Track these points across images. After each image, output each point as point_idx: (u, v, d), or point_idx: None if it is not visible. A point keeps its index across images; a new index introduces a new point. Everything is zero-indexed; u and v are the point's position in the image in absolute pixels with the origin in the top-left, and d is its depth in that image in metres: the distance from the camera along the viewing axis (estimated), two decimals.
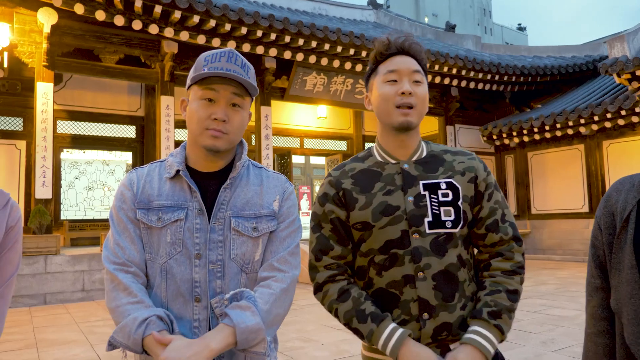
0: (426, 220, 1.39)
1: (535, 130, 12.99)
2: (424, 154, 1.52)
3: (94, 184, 11.48)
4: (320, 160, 15.76)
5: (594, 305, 1.35)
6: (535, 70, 14.11)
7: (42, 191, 9.02)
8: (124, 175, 12.09)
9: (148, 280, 1.39)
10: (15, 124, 10.50)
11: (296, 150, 14.08)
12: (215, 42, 10.04)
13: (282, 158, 13.51)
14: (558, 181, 13.27)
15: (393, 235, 1.39)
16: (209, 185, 1.40)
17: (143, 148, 11.92)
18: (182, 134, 12.04)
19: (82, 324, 6.39)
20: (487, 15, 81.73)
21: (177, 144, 10.83)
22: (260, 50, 10.60)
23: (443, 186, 1.43)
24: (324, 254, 1.45)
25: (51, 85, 9.28)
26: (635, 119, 11.18)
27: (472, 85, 13.69)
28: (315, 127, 14.42)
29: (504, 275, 1.40)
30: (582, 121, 11.92)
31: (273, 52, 10.77)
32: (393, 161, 1.49)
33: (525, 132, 13.28)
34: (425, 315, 1.36)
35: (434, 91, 14.11)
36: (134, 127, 11.87)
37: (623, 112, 11.18)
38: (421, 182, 1.44)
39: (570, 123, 12.13)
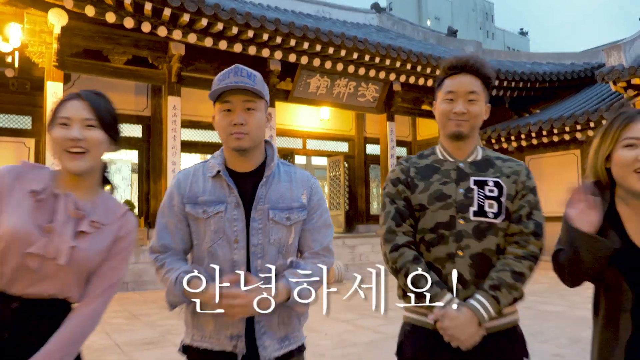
0: (472, 209, 1.67)
1: (533, 135, 13.26)
2: (479, 157, 1.80)
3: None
4: (322, 161, 15.98)
5: None
6: (534, 77, 14.39)
7: None
8: (130, 173, 12.37)
9: (197, 262, 1.68)
10: (24, 122, 10.75)
11: (299, 150, 14.34)
12: (222, 44, 10.29)
13: (285, 158, 13.74)
14: (554, 185, 13.51)
15: (443, 218, 1.68)
16: (245, 182, 1.67)
17: (149, 147, 12.16)
18: (188, 134, 12.29)
19: None
20: (489, 19, 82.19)
21: (184, 143, 11.06)
22: (265, 53, 10.85)
23: (490, 183, 1.70)
24: (403, 221, 1.73)
25: (61, 84, 9.52)
26: None
27: None
28: (318, 128, 14.67)
29: (514, 259, 1.64)
30: (579, 127, 12.18)
31: (278, 55, 11.02)
32: (451, 159, 1.78)
33: (523, 136, 13.54)
34: (459, 287, 1.63)
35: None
36: (141, 126, 12.11)
37: None
38: (472, 178, 1.72)
39: (567, 129, 12.39)
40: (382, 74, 12.61)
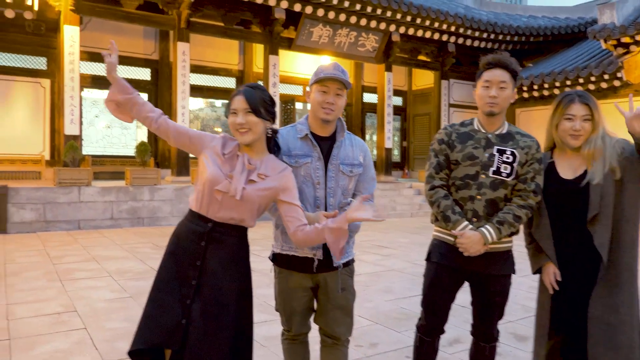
0: (491, 169, 2.40)
1: (525, 89, 13.86)
2: (504, 131, 2.47)
3: (113, 122, 12.26)
4: None
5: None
6: (529, 31, 14.82)
7: (71, 128, 9.82)
8: None
9: None
10: (39, 63, 11.13)
11: (300, 97, 14.84)
12: None
13: (287, 104, 14.30)
14: (543, 136, 14.25)
15: (470, 172, 2.42)
16: (323, 143, 2.36)
17: (157, 90, 12.62)
18: (194, 79, 12.70)
19: (123, 245, 7.42)
20: None
21: (192, 88, 11.49)
22: (272, 1, 11.17)
23: (508, 152, 2.40)
24: (440, 170, 2.48)
25: (77, 28, 9.89)
26: (617, 83, 12.09)
27: (468, 42, 14.43)
28: None
29: (516, 207, 2.37)
30: (568, 82, 12.80)
31: (284, 4, 11.36)
32: (483, 131, 2.48)
33: (515, 89, 14.12)
34: (474, 220, 2.40)
35: (432, 46, 14.81)
36: (149, 69, 12.52)
37: (606, 76, 12.08)
38: (495, 147, 2.42)
39: (557, 84, 13.00)
40: (382, 25, 13.01)
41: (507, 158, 2.40)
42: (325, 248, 2.28)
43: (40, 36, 10.93)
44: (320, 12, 11.91)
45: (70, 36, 9.80)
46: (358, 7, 11.92)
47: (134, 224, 9.58)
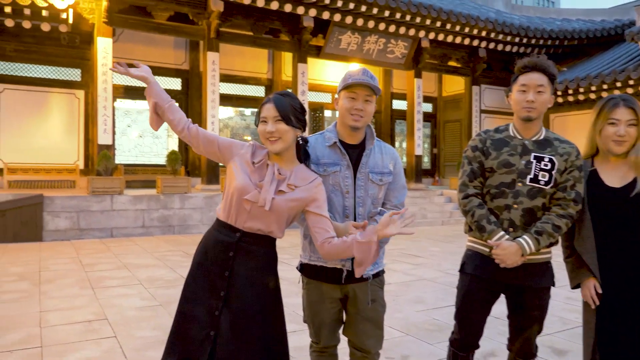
0: (528, 177, 2.28)
1: (559, 93, 13.50)
2: (542, 137, 2.36)
3: (145, 132, 12.47)
4: None
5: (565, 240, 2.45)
6: (563, 34, 14.47)
7: (104, 137, 10.02)
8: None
9: None
10: (74, 74, 11.42)
11: (328, 105, 14.83)
12: (260, 1, 10.68)
13: (315, 112, 14.30)
14: (578, 144, 13.86)
15: (506, 180, 2.30)
16: (352, 151, 2.27)
17: (187, 100, 12.79)
18: (223, 88, 12.83)
19: (153, 253, 7.49)
20: None
21: (222, 97, 11.62)
22: (300, 10, 11.22)
23: (546, 159, 2.29)
24: (474, 178, 2.38)
25: (110, 40, 10.11)
26: None
27: (500, 47, 14.16)
28: None
29: (556, 216, 2.25)
30: (605, 87, 12.40)
31: (312, 12, 11.38)
32: (519, 137, 2.36)
33: (552, 94, 13.76)
34: (511, 230, 2.28)
35: (462, 51, 14.60)
36: (180, 79, 12.71)
37: None
38: (532, 154, 2.30)
39: (593, 88, 12.62)
40: (411, 31, 12.90)
41: (545, 165, 2.28)
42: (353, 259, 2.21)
43: (75, 48, 11.22)
44: (349, 20, 11.89)
45: (104, 48, 10.02)
46: (387, 13, 11.86)
47: (165, 231, 9.68)
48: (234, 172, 2.07)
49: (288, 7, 11.07)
